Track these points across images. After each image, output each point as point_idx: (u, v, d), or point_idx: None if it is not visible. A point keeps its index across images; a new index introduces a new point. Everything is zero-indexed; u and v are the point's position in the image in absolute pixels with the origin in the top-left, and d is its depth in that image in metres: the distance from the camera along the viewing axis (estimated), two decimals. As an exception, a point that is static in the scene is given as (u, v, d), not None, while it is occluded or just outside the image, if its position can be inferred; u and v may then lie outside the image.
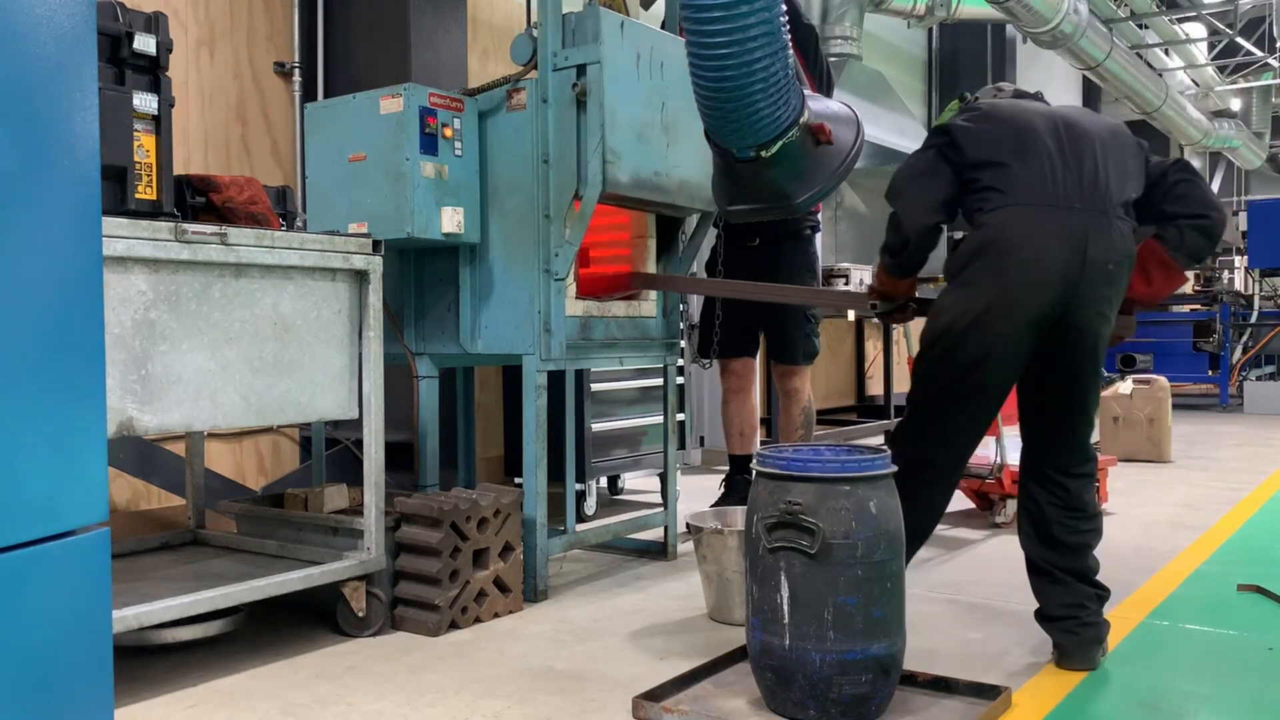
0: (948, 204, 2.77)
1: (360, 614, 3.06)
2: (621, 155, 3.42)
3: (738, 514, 3.40)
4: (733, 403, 4.67)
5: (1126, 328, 2.97)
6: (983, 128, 2.75)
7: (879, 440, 7.67)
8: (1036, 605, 2.86)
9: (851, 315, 7.63)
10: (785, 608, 2.34)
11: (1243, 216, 12.31)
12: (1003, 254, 2.64)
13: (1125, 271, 2.72)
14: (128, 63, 2.71)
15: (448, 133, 3.46)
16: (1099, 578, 2.84)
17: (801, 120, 2.83)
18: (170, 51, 2.82)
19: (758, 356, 4.78)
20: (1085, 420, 2.84)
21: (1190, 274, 16.89)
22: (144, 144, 2.73)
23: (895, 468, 2.45)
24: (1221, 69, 14.10)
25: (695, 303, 6.52)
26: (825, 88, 4.51)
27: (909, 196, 2.77)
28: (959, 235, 2.71)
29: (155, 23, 2.78)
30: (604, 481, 5.45)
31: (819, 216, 4.76)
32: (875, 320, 3.18)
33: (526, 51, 3.54)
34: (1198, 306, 12.26)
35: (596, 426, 4.92)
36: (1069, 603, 2.77)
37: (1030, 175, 2.66)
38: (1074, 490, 2.81)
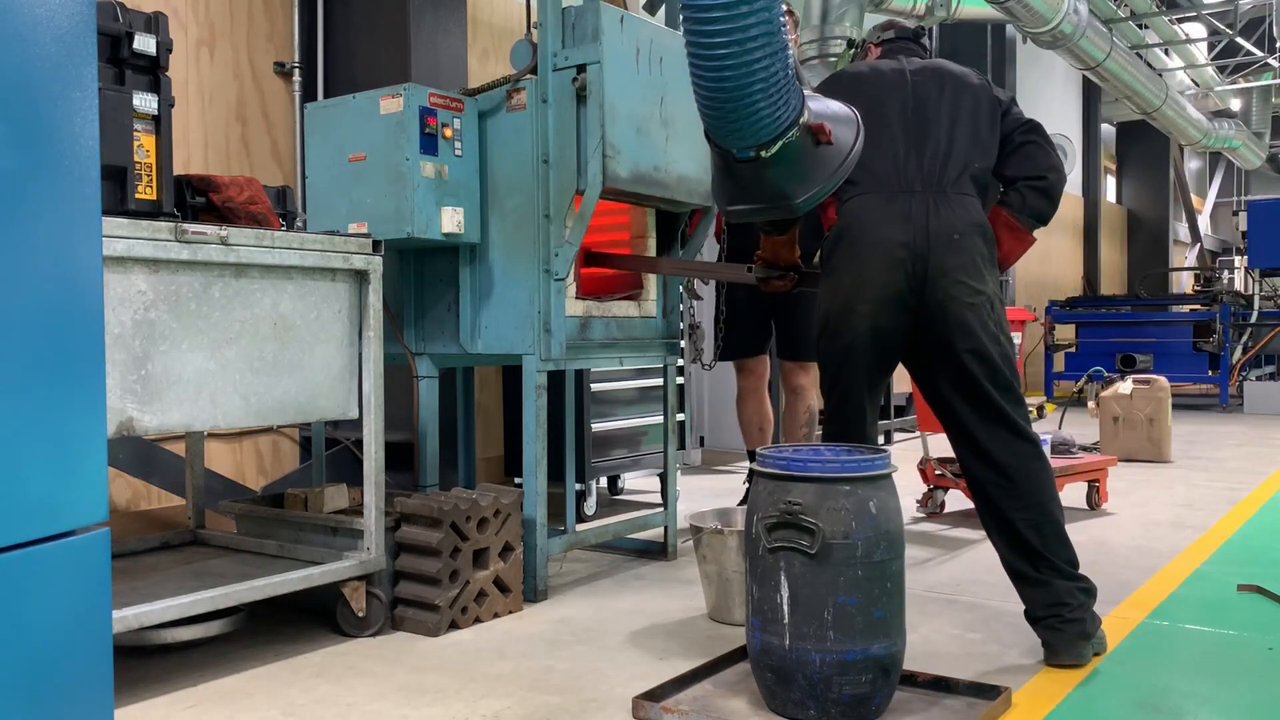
0: None
1: (360, 614, 3.07)
2: (621, 150, 3.42)
3: (738, 514, 3.40)
4: (750, 400, 4.79)
5: None
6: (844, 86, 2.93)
7: (879, 440, 7.68)
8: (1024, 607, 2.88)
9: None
10: (785, 608, 2.34)
11: (1243, 216, 12.31)
12: (854, 240, 2.84)
13: (975, 239, 2.82)
14: (128, 63, 2.71)
15: (448, 133, 3.46)
16: (1095, 578, 2.84)
17: (801, 120, 2.83)
18: (170, 51, 2.82)
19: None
20: (980, 386, 2.80)
21: (1191, 275, 16.91)
22: (144, 144, 2.73)
23: (895, 468, 2.45)
24: (1221, 69, 14.10)
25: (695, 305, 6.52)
26: None
27: None
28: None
29: (155, 23, 2.77)
30: (604, 481, 5.45)
31: None
32: (759, 285, 3.28)
33: (526, 57, 3.54)
34: (1198, 306, 12.27)
35: (596, 426, 4.92)
36: (1050, 601, 2.79)
37: (877, 164, 2.83)
38: (1019, 471, 2.81)
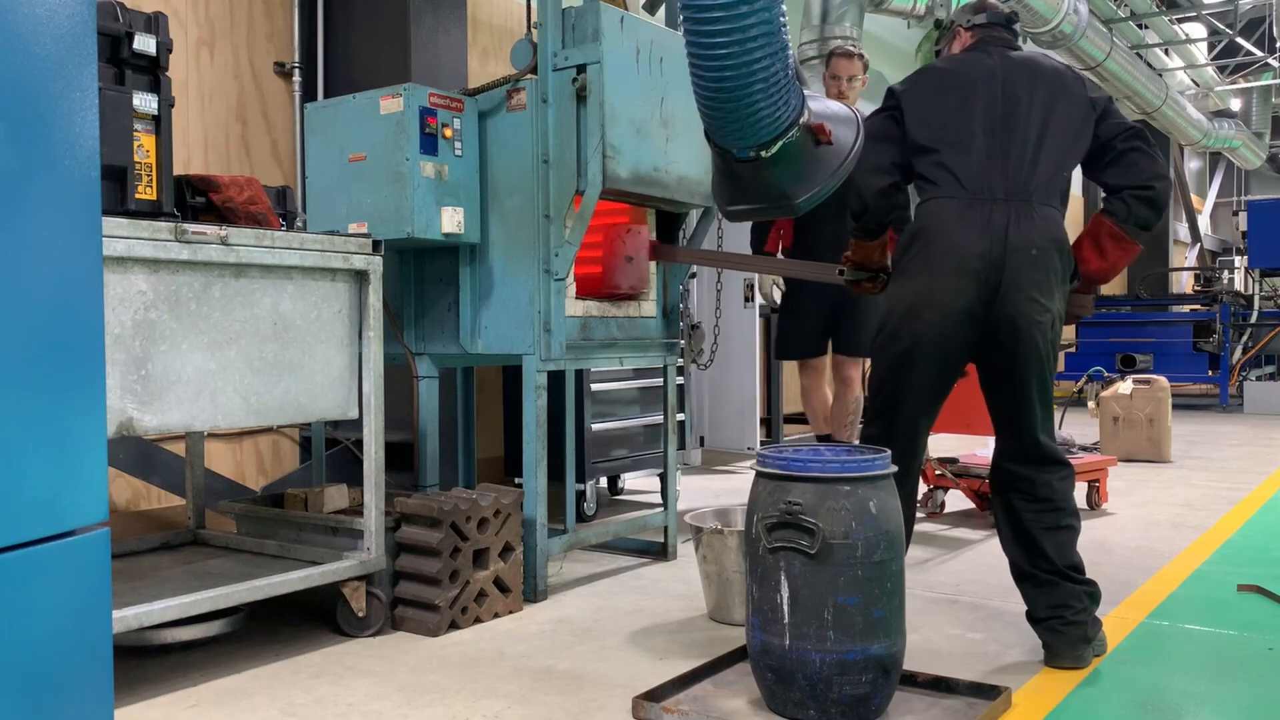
0: (899, 166, 2.87)
1: (360, 614, 3.06)
2: (621, 150, 3.42)
3: (738, 514, 3.40)
4: (816, 394, 5.03)
5: (1083, 306, 3.00)
6: (923, 105, 2.85)
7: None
8: (1027, 607, 2.87)
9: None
10: (785, 608, 2.34)
11: (1243, 216, 12.31)
12: (929, 244, 2.76)
13: (1054, 255, 2.75)
14: (128, 63, 2.71)
15: (448, 133, 3.46)
16: (1095, 578, 2.84)
17: (801, 120, 2.83)
18: (170, 51, 2.81)
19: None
20: (1033, 407, 2.81)
21: (1190, 275, 16.91)
22: (144, 144, 2.73)
23: (896, 468, 2.45)
24: (1221, 69, 14.10)
25: (698, 306, 6.53)
26: None
27: (863, 160, 2.90)
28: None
29: (155, 23, 2.77)
30: (604, 481, 5.45)
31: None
32: (848, 287, 3.26)
33: (526, 57, 3.54)
34: (1198, 306, 12.27)
35: (596, 426, 4.92)
36: (1054, 603, 2.78)
37: (959, 167, 2.76)
38: (1040, 482, 2.82)
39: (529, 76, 3.55)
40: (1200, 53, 13.21)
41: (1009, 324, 2.72)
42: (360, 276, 3.07)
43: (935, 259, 2.73)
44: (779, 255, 4.98)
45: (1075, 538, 2.85)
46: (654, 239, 3.63)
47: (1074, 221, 15.37)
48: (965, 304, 2.71)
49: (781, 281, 4.94)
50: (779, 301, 5.03)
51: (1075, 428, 7.48)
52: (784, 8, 2.56)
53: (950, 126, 2.80)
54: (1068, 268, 2.80)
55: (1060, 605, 2.77)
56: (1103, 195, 2.88)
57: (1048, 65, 2.91)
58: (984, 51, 2.94)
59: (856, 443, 2.97)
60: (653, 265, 3.96)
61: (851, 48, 5.09)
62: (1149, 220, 2.83)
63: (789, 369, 7.33)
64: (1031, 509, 2.82)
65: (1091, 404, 7.36)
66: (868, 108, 5.49)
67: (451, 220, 3.46)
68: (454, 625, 3.13)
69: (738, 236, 6.61)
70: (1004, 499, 2.87)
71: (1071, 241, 2.84)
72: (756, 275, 5.03)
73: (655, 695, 2.45)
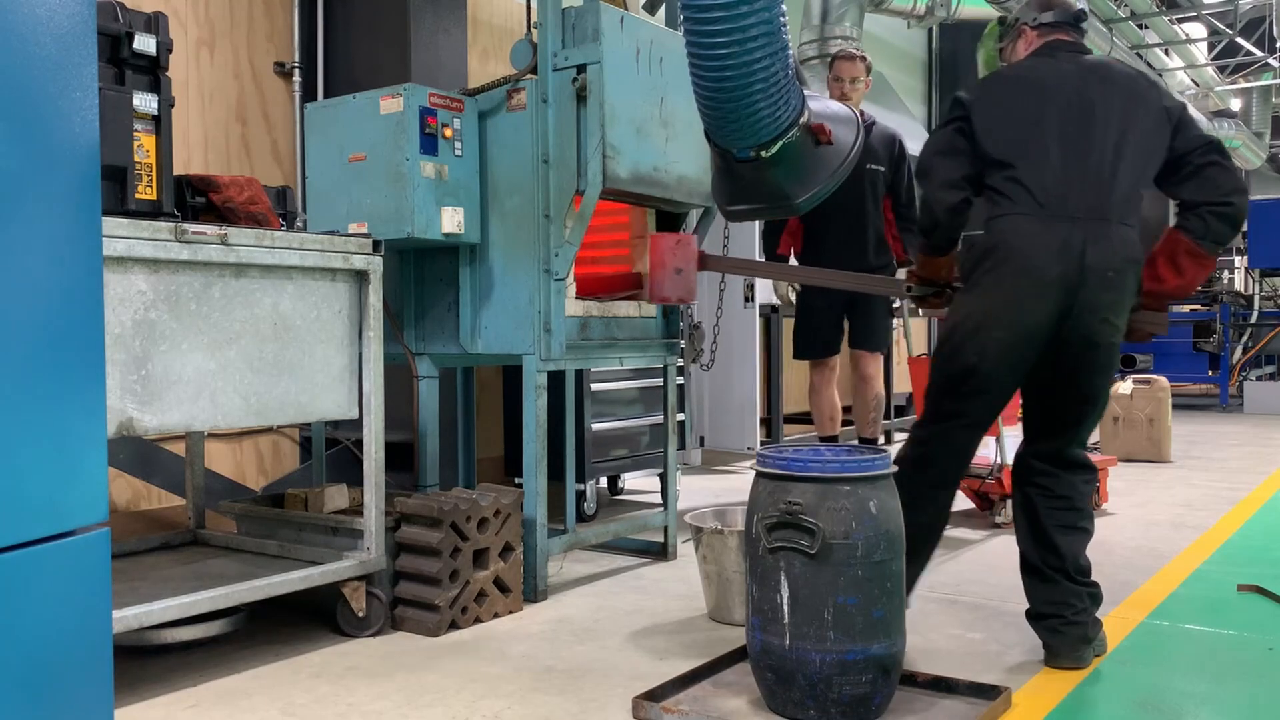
0: (970, 179, 2.79)
1: (360, 614, 3.06)
2: (621, 150, 3.42)
3: (738, 514, 3.40)
4: (825, 392, 5.11)
5: (1158, 324, 2.94)
6: (994, 116, 2.75)
7: (879, 440, 7.68)
8: (1027, 604, 2.87)
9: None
10: (785, 608, 2.34)
11: (1242, 216, 12.28)
12: (1004, 261, 2.68)
13: (1129, 276, 2.70)
14: (128, 63, 2.71)
15: (448, 133, 3.46)
16: (1094, 577, 2.85)
17: (801, 120, 2.83)
18: (170, 51, 2.81)
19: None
20: (1083, 418, 2.84)
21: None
22: (144, 144, 2.73)
23: (896, 468, 2.45)
24: (1221, 69, 14.10)
25: (698, 306, 6.53)
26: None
27: (934, 175, 2.81)
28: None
29: (155, 23, 2.77)
30: (604, 481, 5.45)
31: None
32: (912, 304, 3.21)
33: (526, 57, 3.54)
34: (1198, 306, 12.26)
35: (596, 426, 4.92)
36: (1055, 600, 2.78)
37: (1034, 182, 2.67)
38: (1064, 480, 2.83)
39: (529, 76, 3.55)
40: (1200, 53, 13.21)
41: (1079, 343, 2.69)
42: (360, 276, 3.08)
43: (1009, 279, 2.67)
44: (791, 258, 5.04)
45: (1087, 541, 2.84)
46: (702, 249, 3.62)
47: (1074, 221, 15.36)
48: (1036, 324, 2.66)
49: (789, 291, 4.99)
50: (794, 302, 5.09)
51: (1075, 428, 7.47)
52: (784, 8, 2.57)
53: (1024, 138, 2.71)
54: (1138, 285, 2.75)
55: (1061, 604, 2.77)
56: (1176, 209, 2.80)
57: (1122, 71, 2.82)
58: (1053, 56, 2.84)
59: (881, 438, 2.97)
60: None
61: (855, 50, 5.11)
62: (1226, 236, 2.76)
63: (789, 369, 7.33)
64: (1049, 505, 2.82)
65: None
66: (877, 112, 5.52)
67: (451, 220, 3.46)
68: (454, 625, 3.13)
69: (744, 237, 6.62)
70: (1024, 493, 2.87)
71: None
72: (774, 284, 5.12)
73: (655, 695, 2.45)
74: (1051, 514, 2.81)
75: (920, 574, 2.91)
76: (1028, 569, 2.86)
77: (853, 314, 4.94)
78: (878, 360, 5.04)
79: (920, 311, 3.43)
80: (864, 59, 4.96)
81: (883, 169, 5.00)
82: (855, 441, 5.34)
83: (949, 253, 2.89)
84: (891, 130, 5.15)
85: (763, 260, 5.05)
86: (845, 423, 8.28)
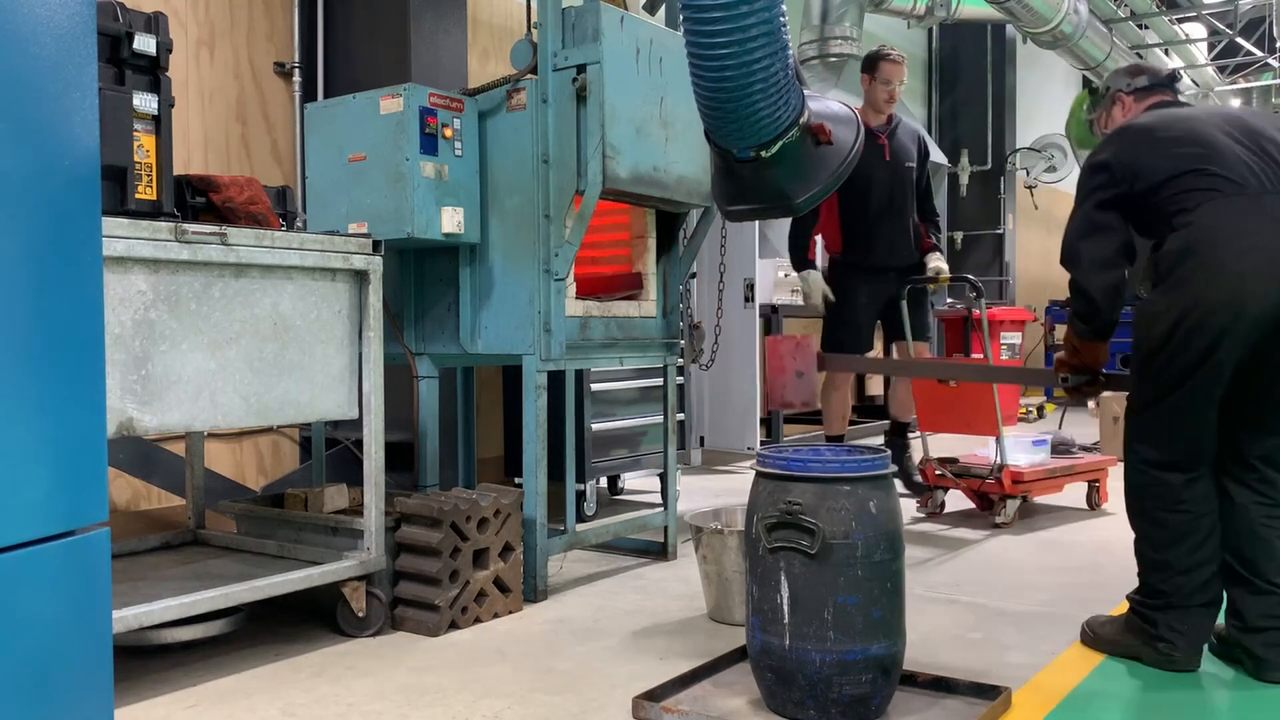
0: (1125, 253, 2.74)
1: (360, 614, 3.06)
2: (621, 150, 3.42)
3: (738, 514, 3.40)
4: (841, 390, 5.28)
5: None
6: (1143, 157, 2.70)
7: (879, 440, 7.68)
8: (1229, 617, 2.73)
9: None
10: (785, 608, 2.34)
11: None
12: (1217, 247, 2.55)
13: None
14: (128, 63, 2.71)
15: (448, 133, 3.46)
16: (1095, 577, 2.84)
17: (801, 120, 2.83)
18: (170, 51, 2.81)
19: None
20: None
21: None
22: (144, 144, 2.73)
23: (896, 468, 2.45)
24: (1221, 69, 14.10)
25: (698, 306, 6.53)
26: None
27: (1082, 257, 2.76)
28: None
29: (155, 23, 2.77)
30: (604, 481, 5.45)
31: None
32: (1066, 394, 3.17)
33: (526, 57, 3.54)
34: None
35: (596, 426, 4.92)
36: (1274, 614, 2.64)
37: (1225, 170, 2.59)
38: None
39: (529, 76, 3.55)
40: (1200, 53, 13.21)
41: None
42: (360, 276, 3.08)
43: (1229, 263, 2.53)
44: (819, 258, 5.12)
45: None
46: (820, 350, 3.65)
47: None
48: (1265, 310, 2.53)
49: (828, 292, 5.09)
50: (828, 305, 5.14)
51: (1075, 427, 7.49)
52: (784, 8, 2.57)
53: (1193, 144, 2.62)
54: None
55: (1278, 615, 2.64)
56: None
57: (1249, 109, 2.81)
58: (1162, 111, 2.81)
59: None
60: (652, 263, 3.97)
61: (898, 54, 5.22)
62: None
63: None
64: (1266, 512, 2.68)
65: (1091, 404, 7.36)
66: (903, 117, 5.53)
67: (451, 220, 3.46)
68: (454, 625, 3.13)
69: (740, 237, 6.62)
70: (1231, 498, 2.72)
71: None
72: (803, 283, 5.17)
73: (655, 695, 2.45)
74: (1270, 521, 2.67)
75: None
76: (1234, 579, 2.69)
77: (896, 311, 5.11)
78: (923, 350, 5.21)
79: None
80: (904, 60, 5.20)
81: (914, 165, 5.16)
82: (889, 424, 5.48)
83: (1108, 337, 2.83)
84: (915, 125, 5.34)
85: (852, 357, 5.18)
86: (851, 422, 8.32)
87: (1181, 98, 2.98)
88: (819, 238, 5.42)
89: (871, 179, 4.96)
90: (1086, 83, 3.65)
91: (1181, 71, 13.10)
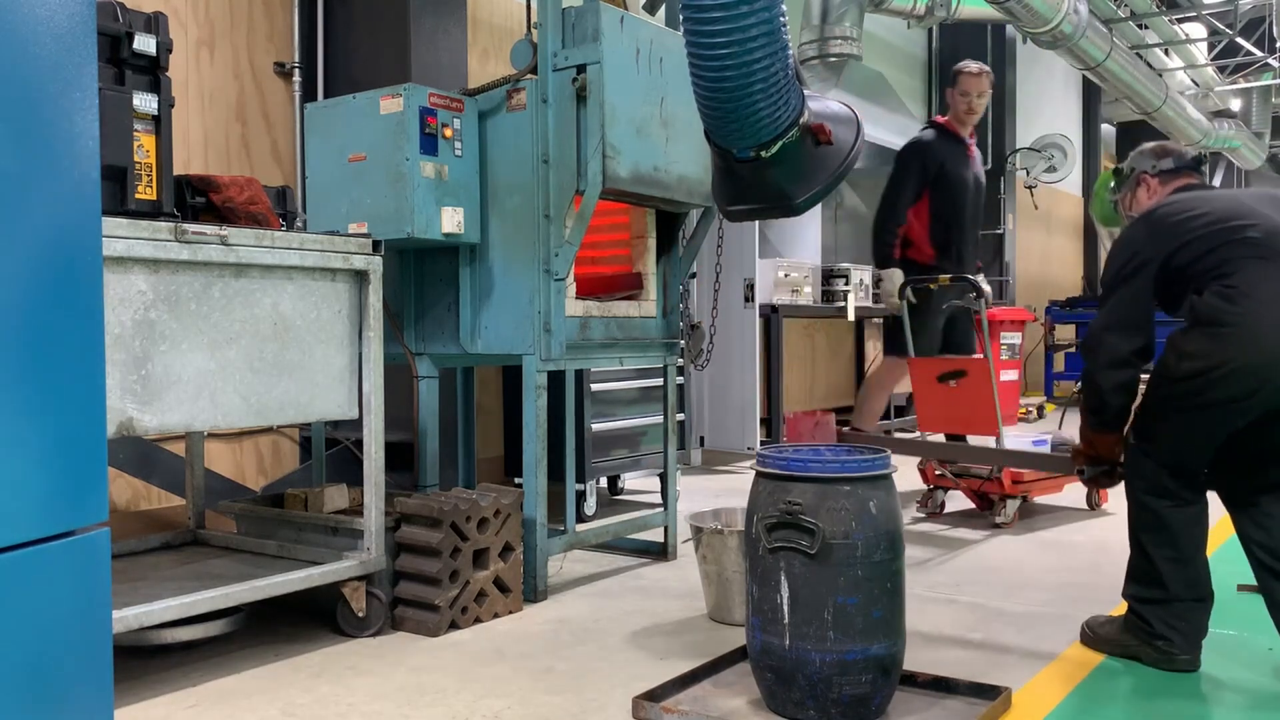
0: (1143, 352, 2.75)
1: (360, 614, 3.06)
2: (621, 150, 3.42)
3: (737, 514, 3.40)
4: (886, 392, 5.43)
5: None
6: (1174, 242, 2.70)
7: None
8: (1272, 609, 2.73)
9: (851, 315, 7.63)
10: (785, 608, 2.34)
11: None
12: (1257, 314, 2.56)
13: None
14: (128, 63, 2.71)
15: (448, 133, 3.46)
16: (1095, 578, 2.84)
17: (801, 120, 2.83)
18: (170, 51, 2.81)
19: None
20: None
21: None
22: (144, 144, 2.73)
23: (895, 468, 2.45)
24: (1221, 69, 14.10)
25: (698, 306, 6.54)
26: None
27: (1100, 352, 2.78)
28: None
29: (155, 23, 2.77)
30: (604, 481, 5.45)
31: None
32: (1083, 481, 3.23)
33: (526, 57, 3.54)
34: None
35: (596, 426, 4.92)
36: None
37: (1263, 235, 2.60)
38: None
39: (529, 76, 3.55)
40: (1200, 53, 13.21)
41: None
42: (360, 276, 3.08)
43: (1269, 331, 2.54)
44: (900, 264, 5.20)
45: None
46: (840, 427, 3.66)
47: (1074, 223, 15.39)
48: None
49: (910, 293, 5.12)
50: (906, 307, 5.16)
51: (1075, 428, 7.47)
52: (784, 8, 2.57)
53: (1228, 220, 2.63)
54: None
55: None
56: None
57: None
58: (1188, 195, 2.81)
59: None
60: (652, 263, 3.97)
61: (977, 66, 5.31)
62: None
63: (789, 369, 7.33)
64: None
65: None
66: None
67: (451, 220, 3.46)
68: (454, 625, 3.13)
69: (738, 238, 6.62)
70: (1258, 505, 2.74)
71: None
72: (886, 280, 5.24)
73: (655, 695, 2.45)
74: None
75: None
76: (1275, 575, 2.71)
77: (955, 327, 5.30)
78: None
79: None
80: (988, 73, 5.29)
81: (984, 179, 5.42)
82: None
83: (1119, 430, 2.85)
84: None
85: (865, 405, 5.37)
86: (841, 423, 8.32)
87: (1204, 181, 3.00)
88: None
89: (964, 187, 5.14)
90: (1116, 171, 3.68)
91: (1186, 75, 13.13)
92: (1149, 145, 3.06)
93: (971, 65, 5.27)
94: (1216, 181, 20.72)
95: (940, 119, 5.44)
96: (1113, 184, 3.08)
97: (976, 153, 5.40)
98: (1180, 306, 2.75)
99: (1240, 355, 2.58)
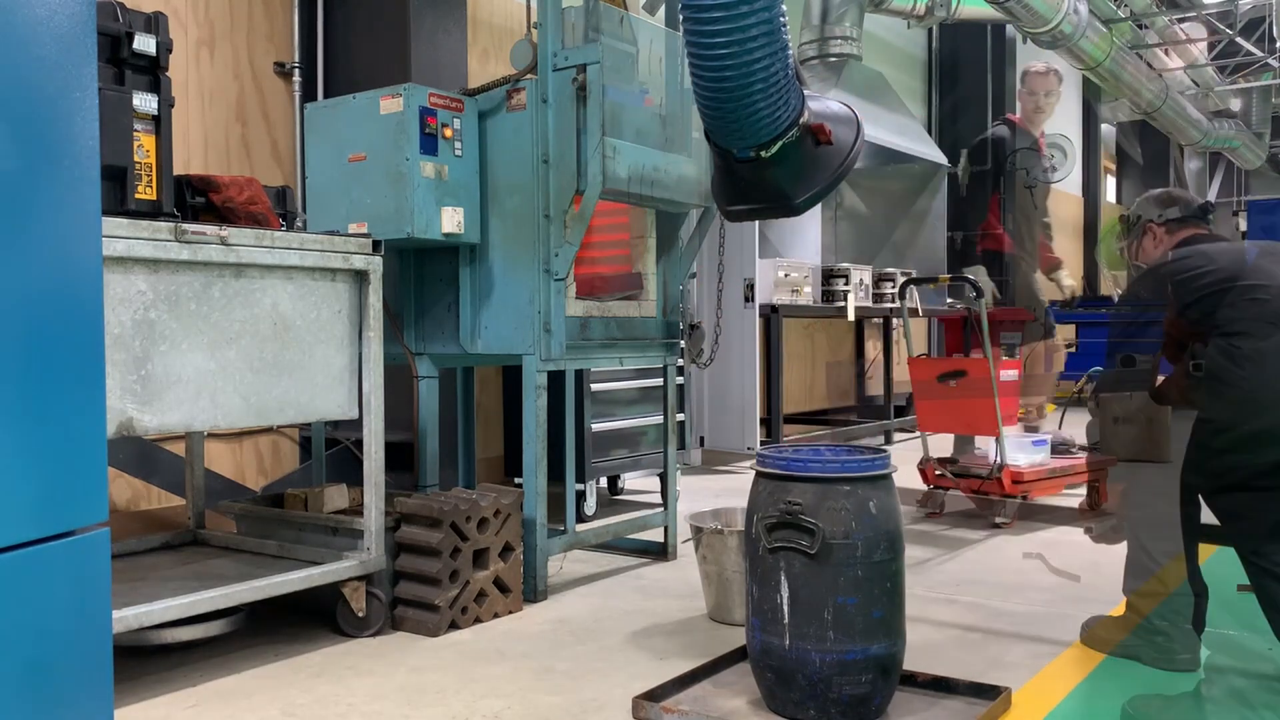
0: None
1: (360, 614, 3.06)
2: (621, 150, 3.42)
3: (737, 514, 3.40)
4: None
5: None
6: (1185, 299, 2.73)
7: (879, 440, 7.69)
8: None
9: (851, 315, 7.63)
10: (785, 608, 2.34)
11: (1242, 216, 12.31)
12: (1269, 376, 2.55)
13: None
14: (128, 63, 2.71)
15: (448, 133, 3.46)
16: (1095, 578, 2.84)
17: (801, 120, 2.83)
18: (170, 51, 2.81)
19: None
20: None
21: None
22: (144, 144, 2.73)
23: (895, 468, 2.45)
24: (1221, 69, 14.10)
25: (698, 306, 6.54)
26: None
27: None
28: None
29: (155, 23, 2.77)
30: (604, 481, 5.45)
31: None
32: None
33: (526, 57, 3.54)
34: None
35: (596, 426, 4.92)
36: None
37: (1276, 299, 2.59)
38: None
39: (529, 76, 3.55)
40: (1200, 53, 13.20)
41: None
42: (360, 276, 3.07)
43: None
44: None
45: None
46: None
47: (1073, 223, 15.38)
48: None
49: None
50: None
51: (1075, 428, 7.47)
52: (784, 8, 2.57)
53: (1235, 277, 2.63)
54: None
55: None
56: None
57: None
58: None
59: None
60: (653, 263, 3.97)
61: (1043, 65, 5.34)
62: None
63: (789, 369, 7.33)
64: None
65: (1091, 404, 7.35)
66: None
67: (451, 220, 3.46)
68: (454, 625, 3.13)
69: (738, 238, 6.62)
70: None
71: None
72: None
73: (655, 695, 2.45)
74: None
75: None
76: None
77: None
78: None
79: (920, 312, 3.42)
80: (1056, 72, 5.29)
81: None
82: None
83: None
84: None
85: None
86: (841, 423, 8.29)
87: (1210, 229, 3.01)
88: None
89: (1036, 186, 5.21)
90: (1123, 219, 3.69)
91: (1186, 75, 13.14)
92: (1155, 192, 3.06)
93: (1038, 65, 5.33)
94: (1216, 181, 20.73)
95: (1013, 116, 5.52)
96: (1119, 231, 3.07)
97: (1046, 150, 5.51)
98: (1182, 353, 2.77)
99: (1253, 420, 2.60)
